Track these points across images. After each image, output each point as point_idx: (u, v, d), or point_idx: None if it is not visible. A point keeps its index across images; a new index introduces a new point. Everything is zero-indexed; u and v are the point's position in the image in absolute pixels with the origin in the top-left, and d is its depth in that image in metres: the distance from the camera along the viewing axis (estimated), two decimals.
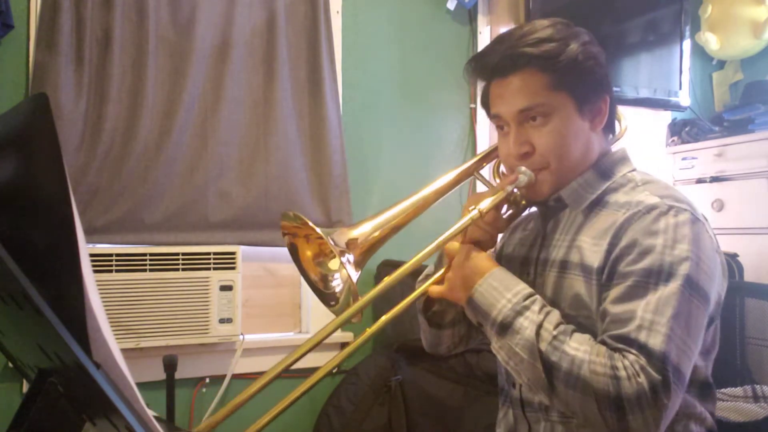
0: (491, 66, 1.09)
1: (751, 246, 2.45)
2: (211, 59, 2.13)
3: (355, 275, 1.02)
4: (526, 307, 0.98)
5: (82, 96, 1.94)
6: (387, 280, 1.02)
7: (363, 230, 1.06)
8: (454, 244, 1.08)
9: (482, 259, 1.06)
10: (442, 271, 1.10)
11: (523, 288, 1.02)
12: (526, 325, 0.96)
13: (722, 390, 1.40)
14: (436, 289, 1.10)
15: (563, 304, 1.04)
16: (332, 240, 1.01)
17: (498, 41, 1.10)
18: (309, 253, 1.08)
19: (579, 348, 0.93)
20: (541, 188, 1.10)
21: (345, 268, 1.01)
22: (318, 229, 1.01)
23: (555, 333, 0.95)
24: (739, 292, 1.46)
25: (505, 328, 0.98)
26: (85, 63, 1.94)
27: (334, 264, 1.09)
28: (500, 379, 1.22)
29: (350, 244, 1.03)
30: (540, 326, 0.96)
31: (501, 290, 1.01)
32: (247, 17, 2.18)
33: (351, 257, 1.02)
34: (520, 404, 1.12)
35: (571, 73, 1.05)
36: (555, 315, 0.98)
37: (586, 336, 0.96)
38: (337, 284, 1.09)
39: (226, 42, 2.14)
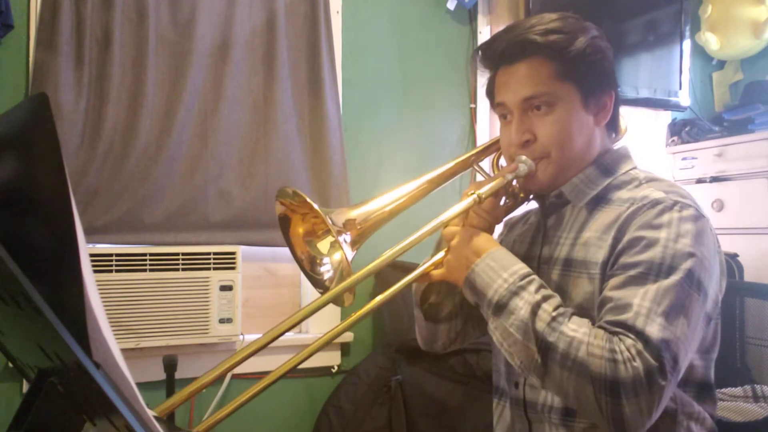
0: (499, 52, 1.09)
1: (751, 246, 2.45)
2: (211, 59, 2.13)
3: (350, 254, 1.01)
4: (522, 288, 0.97)
5: (82, 96, 1.94)
6: (383, 257, 1.00)
7: (361, 211, 1.05)
8: (453, 228, 1.08)
9: (482, 239, 1.06)
10: (442, 253, 1.09)
11: (521, 268, 1.01)
12: (521, 305, 0.96)
13: (722, 390, 1.40)
14: (435, 272, 1.09)
15: (567, 303, 1.03)
16: (330, 219, 1.00)
17: (507, 30, 1.10)
18: (300, 230, 1.07)
19: (578, 330, 0.92)
20: (541, 178, 1.10)
21: (341, 247, 1.00)
22: (315, 205, 0.99)
23: (554, 314, 0.94)
24: (739, 292, 1.46)
25: (500, 308, 0.98)
26: (85, 63, 1.94)
27: (323, 246, 1.07)
28: (496, 377, 1.21)
29: (348, 224, 1.02)
30: (537, 306, 0.95)
31: (498, 270, 1.01)
32: (247, 17, 2.18)
33: (348, 237, 1.01)
34: (523, 404, 1.11)
35: (579, 64, 1.05)
36: (555, 297, 0.98)
37: (585, 319, 0.95)
38: (326, 270, 1.07)
39: (226, 42, 2.14)
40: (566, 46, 1.04)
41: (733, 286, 1.12)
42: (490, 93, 1.15)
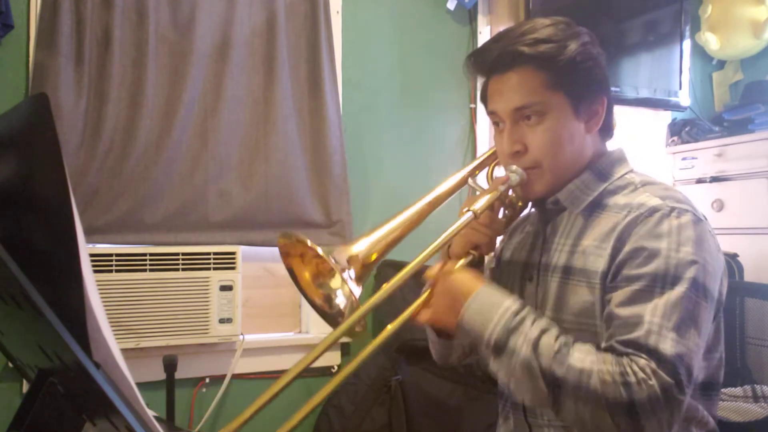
0: (488, 62, 1.09)
1: (751, 246, 2.45)
2: (211, 59, 2.13)
3: (357, 291, 1.00)
4: (519, 324, 0.96)
5: (82, 96, 1.94)
6: (385, 288, 0.98)
7: (363, 246, 1.04)
8: (433, 269, 1.06)
9: (465, 280, 1.03)
10: (425, 296, 1.06)
11: (512, 303, 0.99)
12: (520, 343, 0.94)
13: (722, 390, 1.40)
14: (423, 317, 1.05)
15: (567, 310, 1.04)
16: (333, 258, 0.99)
17: (497, 38, 1.10)
18: (307, 275, 1.05)
19: (585, 359, 0.91)
20: (534, 187, 1.10)
21: (347, 284, 0.99)
22: (320, 250, 0.98)
23: (556, 347, 0.93)
24: (739, 292, 1.45)
25: (499, 349, 0.96)
26: (85, 63, 1.94)
27: (335, 283, 1.06)
28: (501, 383, 1.21)
29: (351, 261, 1.01)
30: (537, 341, 0.93)
31: (489, 310, 0.98)
32: (247, 17, 2.18)
33: (352, 272, 1.00)
34: (522, 410, 1.11)
35: (569, 73, 1.05)
36: (553, 328, 0.96)
37: (587, 345, 0.95)
38: (341, 301, 1.06)
39: (226, 42, 2.14)
40: (556, 56, 1.04)
41: (733, 286, 1.12)
42: (484, 99, 1.15)
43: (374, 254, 1.04)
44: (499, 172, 1.17)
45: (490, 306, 0.99)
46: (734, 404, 1.37)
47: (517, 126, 1.08)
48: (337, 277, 1.04)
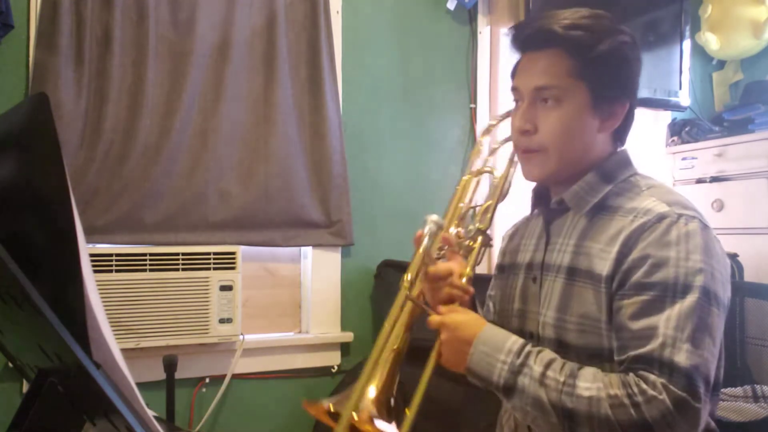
0: (523, 38, 1.11)
1: (751, 246, 2.45)
2: (211, 59, 2.13)
3: (391, 428, 0.99)
4: (523, 364, 0.98)
5: (82, 96, 1.94)
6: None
7: (378, 386, 1.04)
8: (435, 318, 1.06)
9: (466, 325, 1.05)
10: (437, 344, 1.08)
11: (513, 343, 1.01)
12: (527, 383, 0.97)
13: (722, 390, 1.40)
14: (441, 362, 1.09)
15: (571, 312, 1.04)
16: (360, 411, 0.97)
17: (538, 17, 1.11)
18: None
19: (591, 387, 0.93)
20: (532, 171, 1.11)
21: (378, 426, 0.97)
22: (355, 416, 0.95)
23: (562, 379, 0.95)
24: (739, 292, 1.46)
25: (509, 390, 0.99)
26: (85, 63, 1.94)
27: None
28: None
29: (375, 402, 1.02)
30: (543, 377, 0.96)
31: (493, 354, 1.01)
32: (247, 17, 2.18)
33: (376, 412, 0.99)
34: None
35: (597, 66, 1.05)
36: (556, 360, 0.98)
37: (592, 370, 0.96)
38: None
39: (226, 42, 2.14)
40: (588, 45, 1.04)
41: (733, 286, 1.12)
42: (513, 75, 1.15)
43: (388, 388, 1.05)
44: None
45: (494, 350, 1.01)
46: (734, 404, 1.37)
47: (533, 106, 1.08)
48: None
